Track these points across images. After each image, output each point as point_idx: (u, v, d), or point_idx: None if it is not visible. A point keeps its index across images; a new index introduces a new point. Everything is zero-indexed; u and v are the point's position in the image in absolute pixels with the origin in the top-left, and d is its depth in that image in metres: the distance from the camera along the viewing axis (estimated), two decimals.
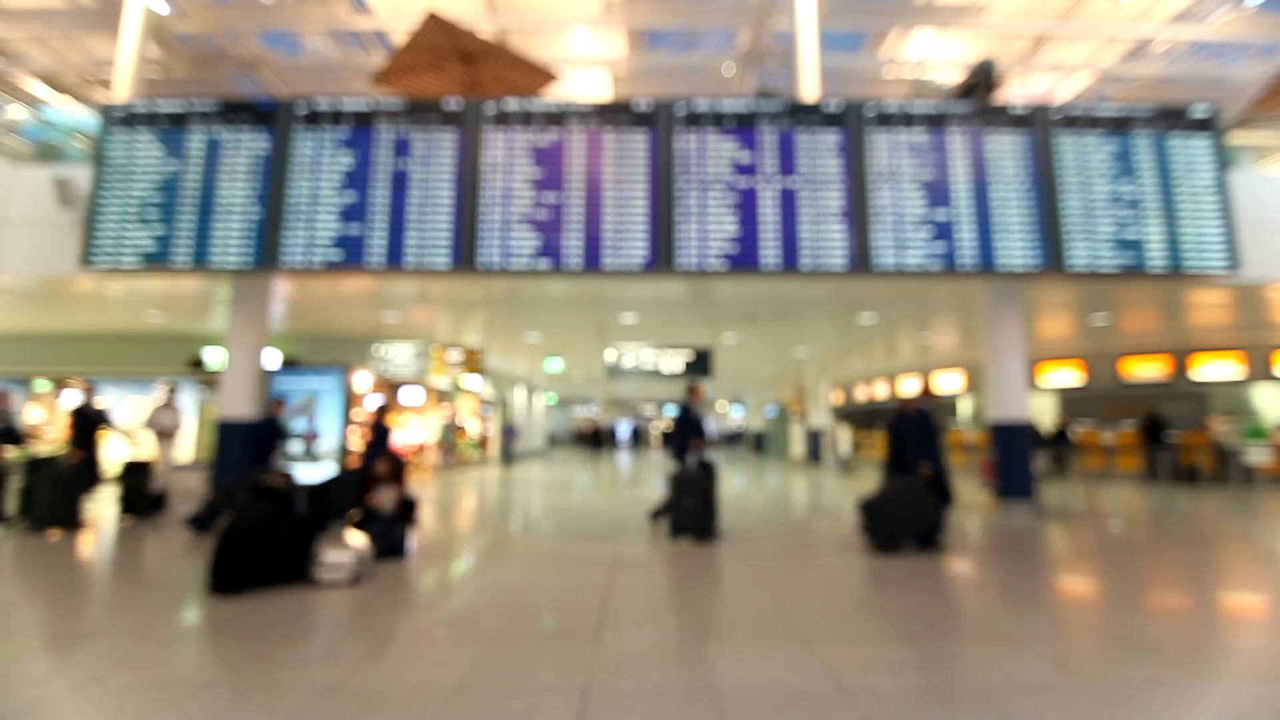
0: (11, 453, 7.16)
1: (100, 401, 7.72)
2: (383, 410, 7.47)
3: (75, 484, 6.81)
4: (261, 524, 4.43)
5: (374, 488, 5.69)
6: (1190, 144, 7.46)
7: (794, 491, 11.88)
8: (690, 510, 6.21)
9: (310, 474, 7.72)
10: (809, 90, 9.30)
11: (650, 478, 15.19)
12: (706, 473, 6.40)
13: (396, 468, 6.06)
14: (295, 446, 7.68)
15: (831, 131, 7.39)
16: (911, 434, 6.29)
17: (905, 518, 5.68)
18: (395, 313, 11.17)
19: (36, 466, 6.99)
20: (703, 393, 7.25)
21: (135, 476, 7.48)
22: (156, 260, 7.15)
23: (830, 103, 7.51)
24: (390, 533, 5.41)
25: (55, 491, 6.63)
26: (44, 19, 12.05)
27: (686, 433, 6.82)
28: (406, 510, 5.77)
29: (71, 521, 6.61)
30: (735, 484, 13.31)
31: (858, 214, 7.21)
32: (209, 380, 12.34)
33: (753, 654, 3.15)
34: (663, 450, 6.71)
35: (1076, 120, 7.48)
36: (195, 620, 3.76)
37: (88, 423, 7.47)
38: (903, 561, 5.28)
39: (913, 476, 6.00)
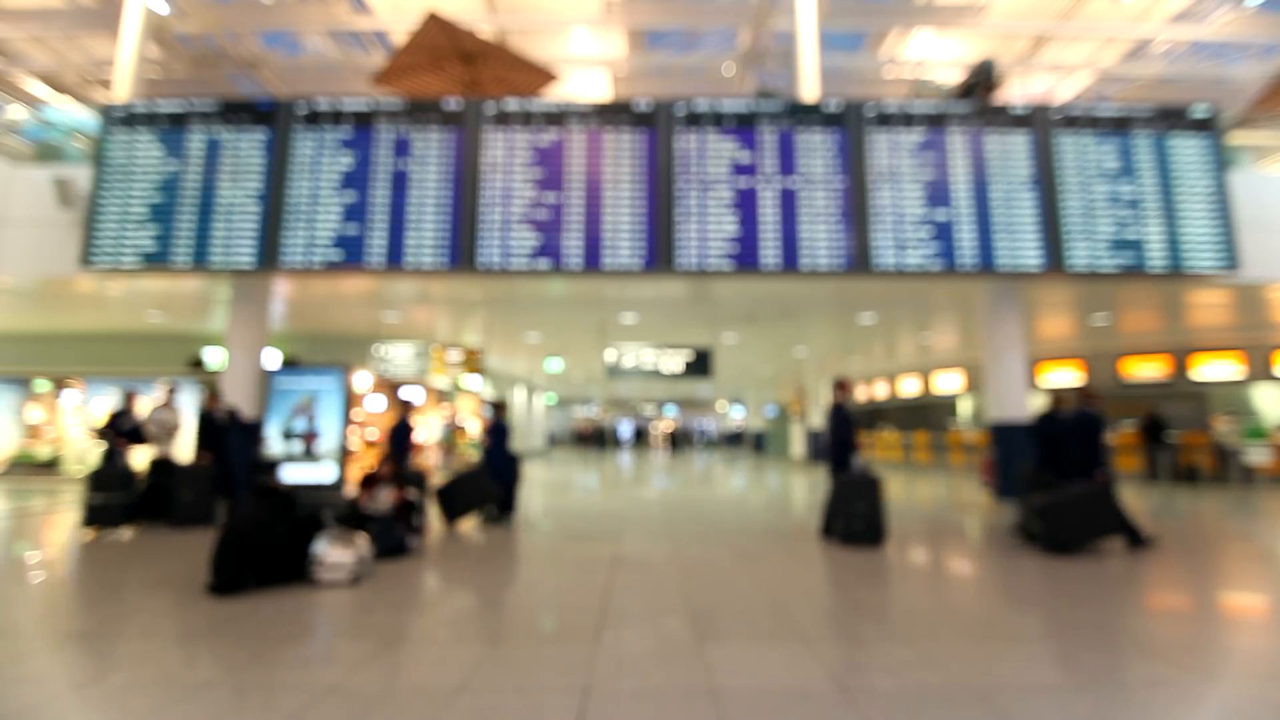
0: (138, 452, 7.32)
1: (226, 405, 7.62)
2: (499, 408, 7.61)
3: (212, 484, 7.03)
4: (261, 524, 4.43)
5: (374, 488, 5.70)
6: (1190, 144, 7.47)
7: (816, 492, 11.86)
8: (862, 514, 6.00)
9: (313, 474, 7.75)
10: (809, 90, 9.31)
11: (666, 478, 15.18)
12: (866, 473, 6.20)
13: (395, 468, 6.06)
14: (295, 446, 7.69)
15: (831, 131, 7.39)
16: (1075, 437, 6.20)
17: (1091, 520, 5.72)
18: (395, 313, 11.17)
19: (158, 467, 7.14)
20: (851, 387, 6.93)
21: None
22: (156, 260, 7.15)
23: (830, 103, 7.51)
24: (390, 533, 5.42)
25: (195, 490, 6.87)
26: (44, 19, 12.04)
27: (846, 433, 6.48)
28: (406, 511, 5.78)
29: (210, 519, 6.81)
30: (770, 484, 13.28)
31: (858, 214, 7.21)
32: (209, 380, 12.34)
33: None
34: (824, 457, 6.53)
35: (1076, 120, 7.48)
36: (194, 620, 3.76)
37: (215, 428, 7.42)
38: (1091, 561, 5.35)
39: (1080, 481, 5.98)
